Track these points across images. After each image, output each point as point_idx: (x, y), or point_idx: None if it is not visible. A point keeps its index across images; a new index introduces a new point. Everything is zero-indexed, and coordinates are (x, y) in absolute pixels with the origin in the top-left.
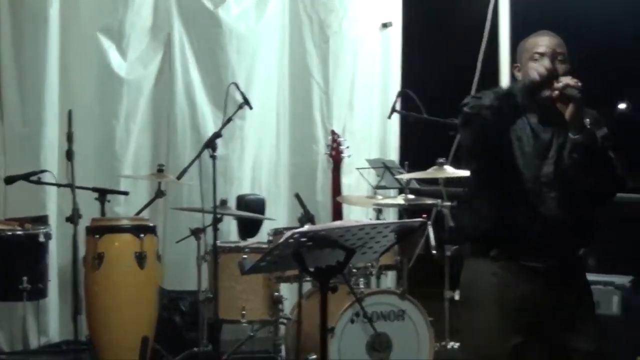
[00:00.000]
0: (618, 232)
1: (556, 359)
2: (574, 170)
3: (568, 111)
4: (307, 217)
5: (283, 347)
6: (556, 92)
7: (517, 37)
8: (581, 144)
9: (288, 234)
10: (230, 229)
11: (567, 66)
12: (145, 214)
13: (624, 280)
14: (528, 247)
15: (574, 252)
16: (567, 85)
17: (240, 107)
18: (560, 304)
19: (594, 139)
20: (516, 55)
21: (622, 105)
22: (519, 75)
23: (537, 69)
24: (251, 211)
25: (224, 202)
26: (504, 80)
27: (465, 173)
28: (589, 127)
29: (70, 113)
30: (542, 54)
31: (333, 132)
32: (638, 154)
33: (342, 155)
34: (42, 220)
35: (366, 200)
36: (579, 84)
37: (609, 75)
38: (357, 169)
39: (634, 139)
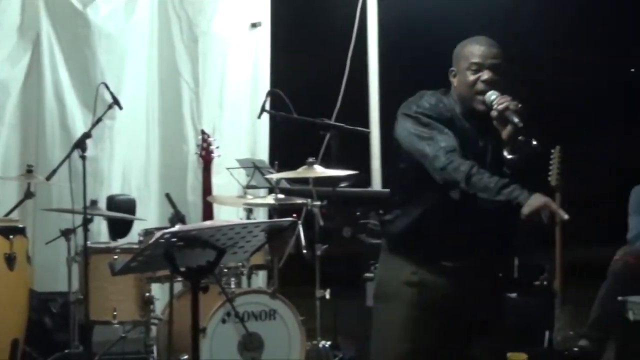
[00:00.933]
0: None
1: None
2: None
3: (505, 131)
4: (177, 217)
5: (155, 348)
6: (494, 113)
7: (384, 36)
8: (515, 165)
9: (158, 234)
10: (100, 230)
11: (502, 77)
12: (14, 215)
13: None
14: (449, 248)
15: (496, 256)
16: (506, 109)
17: (110, 107)
18: (477, 306)
19: (528, 160)
20: (453, 59)
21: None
22: (454, 80)
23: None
24: (121, 212)
25: (94, 203)
26: (373, 80)
27: (334, 173)
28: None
29: None
30: (479, 65)
31: (203, 132)
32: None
33: (212, 155)
34: None
35: (236, 200)
36: (519, 106)
37: None
38: (227, 168)
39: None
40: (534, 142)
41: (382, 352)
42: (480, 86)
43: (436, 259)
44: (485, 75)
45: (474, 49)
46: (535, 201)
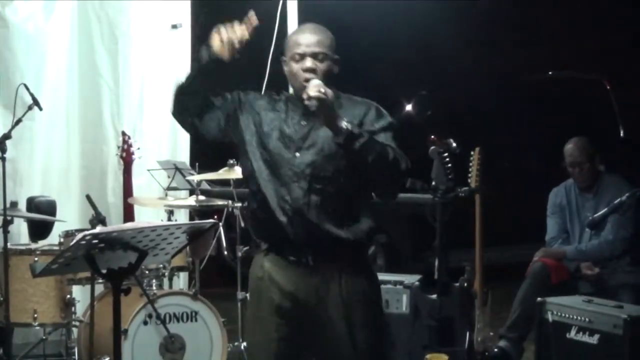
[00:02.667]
0: (406, 232)
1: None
2: (344, 165)
3: (321, 117)
4: (98, 218)
5: (76, 350)
6: (306, 102)
7: None
8: (342, 146)
9: (79, 235)
10: (20, 231)
11: (329, 64)
12: None
13: (413, 279)
14: (290, 241)
15: (340, 247)
16: (308, 97)
17: (30, 108)
18: (325, 301)
19: (354, 139)
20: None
21: (409, 107)
22: (285, 69)
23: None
24: (42, 213)
25: (13, 204)
26: None
27: None
28: (346, 128)
29: None
30: (301, 55)
31: (124, 133)
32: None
33: (133, 156)
34: None
35: (157, 202)
36: (322, 91)
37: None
38: (148, 170)
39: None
40: (344, 125)
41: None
42: (304, 75)
43: (282, 253)
44: (307, 63)
45: (298, 38)
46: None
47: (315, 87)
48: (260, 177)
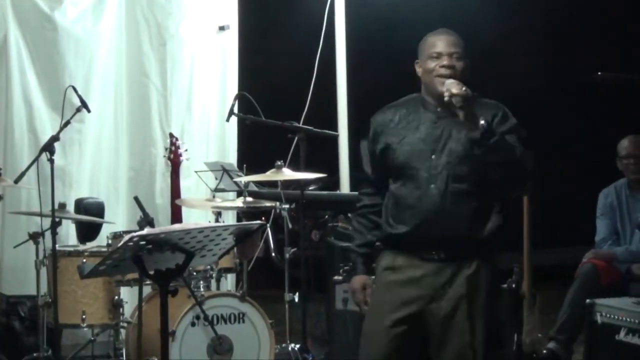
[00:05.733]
0: None
1: None
2: (481, 165)
3: (460, 115)
4: (146, 220)
5: (124, 351)
6: (446, 99)
7: (353, 38)
8: (478, 142)
9: (127, 237)
10: (69, 233)
11: (464, 63)
12: None
13: None
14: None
15: (471, 245)
16: (452, 94)
17: (78, 110)
18: (448, 294)
19: (490, 137)
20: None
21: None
22: (419, 71)
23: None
24: (90, 215)
25: (62, 206)
26: (341, 82)
27: (303, 176)
28: (485, 125)
29: None
30: (439, 53)
31: (171, 135)
32: None
33: (181, 158)
34: None
35: (205, 203)
36: (464, 89)
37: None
38: (196, 171)
39: None
40: (482, 122)
41: None
42: (440, 71)
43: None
44: (445, 61)
45: (435, 39)
46: (351, 284)
47: (457, 85)
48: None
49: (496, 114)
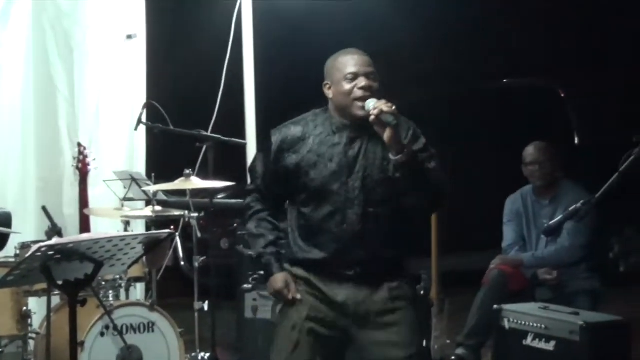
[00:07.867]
0: None
1: None
2: (401, 186)
3: (385, 135)
4: (54, 230)
5: None
6: (372, 118)
7: (260, 47)
8: (403, 165)
9: (35, 247)
10: None
11: (378, 84)
12: None
13: None
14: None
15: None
16: (381, 112)
17: None
18: (370, 307)
19: (414, 158)
20: (324, 72)
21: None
22: (329, 92)
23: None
24: None
25: None
26: (249, 91)
27: (211, 184)
28: (411, 149)
29: None
30: (355, 74)
31: (79, 144)
32: None
33: (89, 167)
34: None
35: (114, 212)
36: (393, 107)
37: None
38: (104, 180)
39: None
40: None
41: None
42: (357, 93)
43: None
44: (362, 82)
45: (348, 60)
46: (271, 284)
47: (384, 103)
48: (312, 204)
49: (407, 131)
